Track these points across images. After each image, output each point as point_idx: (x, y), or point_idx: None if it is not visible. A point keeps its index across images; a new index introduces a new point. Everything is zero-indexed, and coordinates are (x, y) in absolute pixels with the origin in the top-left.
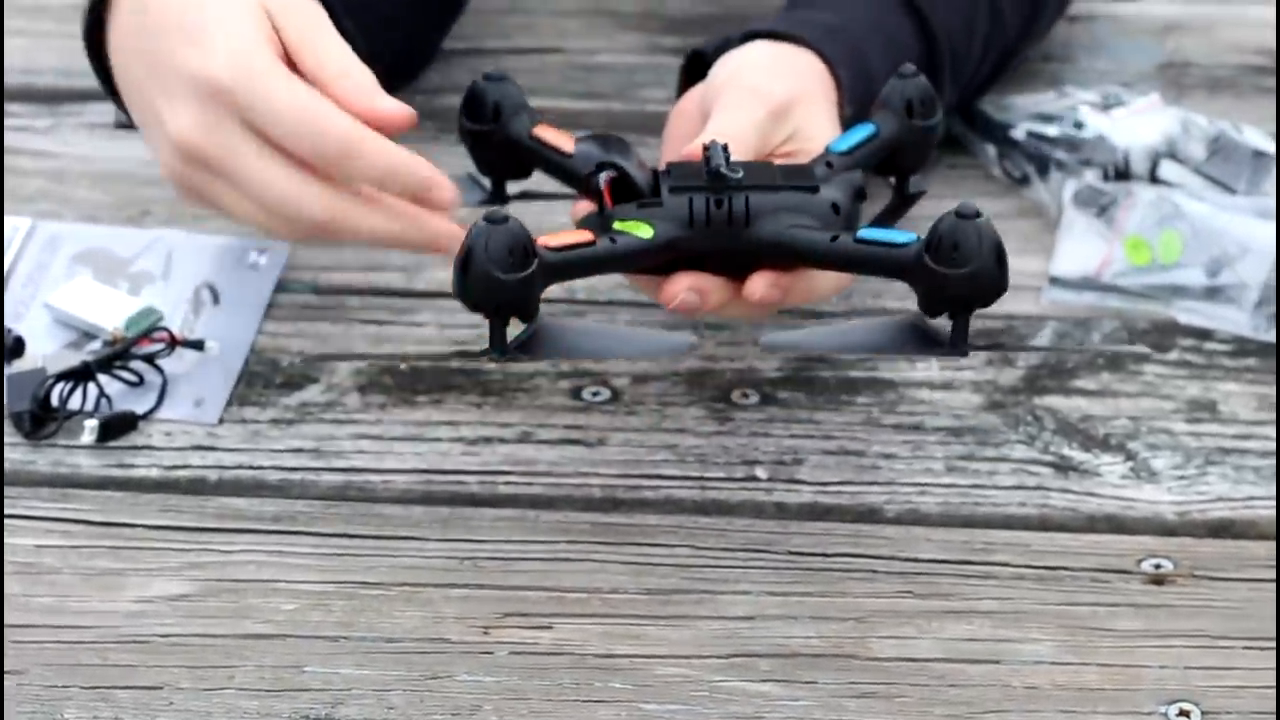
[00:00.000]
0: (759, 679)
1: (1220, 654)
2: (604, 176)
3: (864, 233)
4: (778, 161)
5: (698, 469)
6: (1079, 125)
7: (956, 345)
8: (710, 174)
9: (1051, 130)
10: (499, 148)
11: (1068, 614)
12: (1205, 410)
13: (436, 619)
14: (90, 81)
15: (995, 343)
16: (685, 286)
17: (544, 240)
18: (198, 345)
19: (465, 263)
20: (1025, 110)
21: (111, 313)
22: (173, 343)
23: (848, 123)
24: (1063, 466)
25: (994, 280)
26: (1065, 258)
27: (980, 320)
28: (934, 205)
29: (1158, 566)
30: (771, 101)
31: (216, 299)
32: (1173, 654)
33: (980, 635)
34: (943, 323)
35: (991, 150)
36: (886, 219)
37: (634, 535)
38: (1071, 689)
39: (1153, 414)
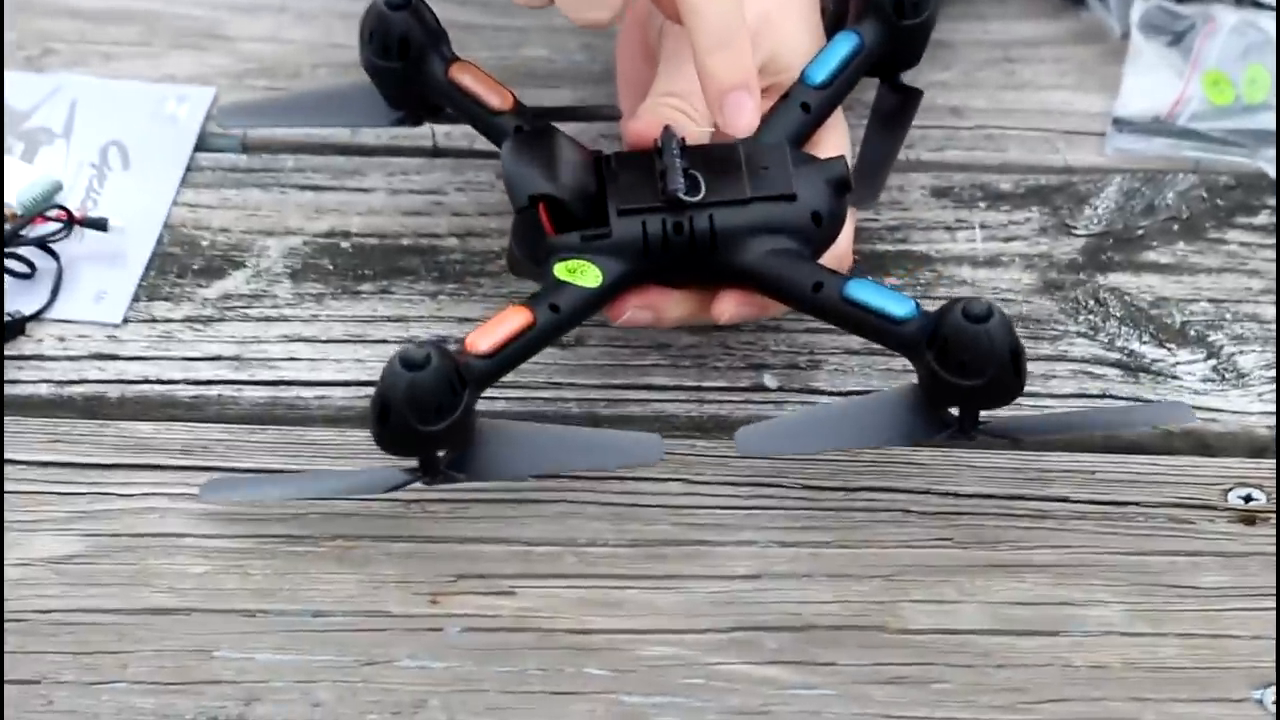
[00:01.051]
0: (765, 660)
1: None
2: (540, 207)
3: (853, 288)
4: None
5: (694, 376)
6: None
7: (965, 430)
8: (664, 197)
9: None
10: (410, 88)
11: (1141, 567)
12: None
13: (375, 584)
14: None
15: (1010, 433)
16: (634, 305)
17: (474, 341)
18: (100, 225)
19: (382, 415)
20: None
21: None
22: (71, 222)
23: (832, 20)
24: (1132, 367)
25: (1008, 390)
26: (1132, 95)
27: (1032, 176)
28: (978, 29)
29: (1248, 499)
30: None
31: (126, 162)
32: (1267, 620)
33: (1035, 597)
34: None
35: None
36: (889, 127)
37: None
38: (1145, 668)
39: (1238, 295)
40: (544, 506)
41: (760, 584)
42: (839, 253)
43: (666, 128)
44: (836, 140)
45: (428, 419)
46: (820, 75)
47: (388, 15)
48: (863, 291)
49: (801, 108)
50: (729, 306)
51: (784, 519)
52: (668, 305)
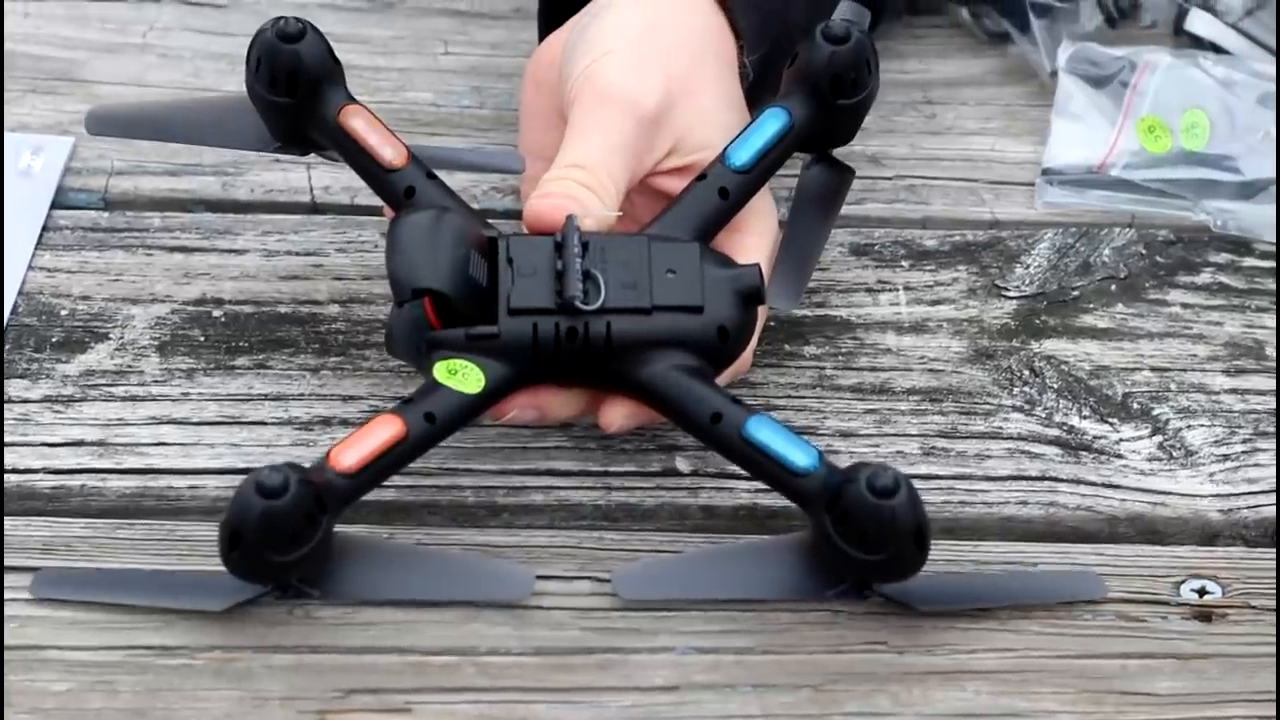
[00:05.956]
0: None
1: None
2: (425, 300)
3: (754, 427)
4: (659, 180)
5: (600, 459)
6: None
7: (859, 590)
8: (560, 301)
9: None
10: (296, 126)
11: (1091, 673)
12: (1249, 355)
13: (256, 702)
14: None
15: (907, 599)
16: (519, 404)
17: (338, 456)
18: None
19: (232, 542)
20: None
21: None
22: None
23: (753, 84)
24: (1073, 445)
25: (908, 567)
26: (1062, 144)
27: (958, 232)
28: (894, 68)
29: (1202, 592)
30: (639, 110)
31: None
32: None
33: (976, 707)
34: None
35: (964, 13)
36: (816, 211)
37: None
38: None
39: (1183, 362)
40: (441, 610)
41: (679, 696)
42: (739, 360)
43: (569, 218)
44: (761, 228)
45: (281, 549)
46: (743, 157)
47: (278, 47)
48: (763, 432)
49: (719, 193)
50: (616, 418)
51: (702, 621)
52: (554, 405)
